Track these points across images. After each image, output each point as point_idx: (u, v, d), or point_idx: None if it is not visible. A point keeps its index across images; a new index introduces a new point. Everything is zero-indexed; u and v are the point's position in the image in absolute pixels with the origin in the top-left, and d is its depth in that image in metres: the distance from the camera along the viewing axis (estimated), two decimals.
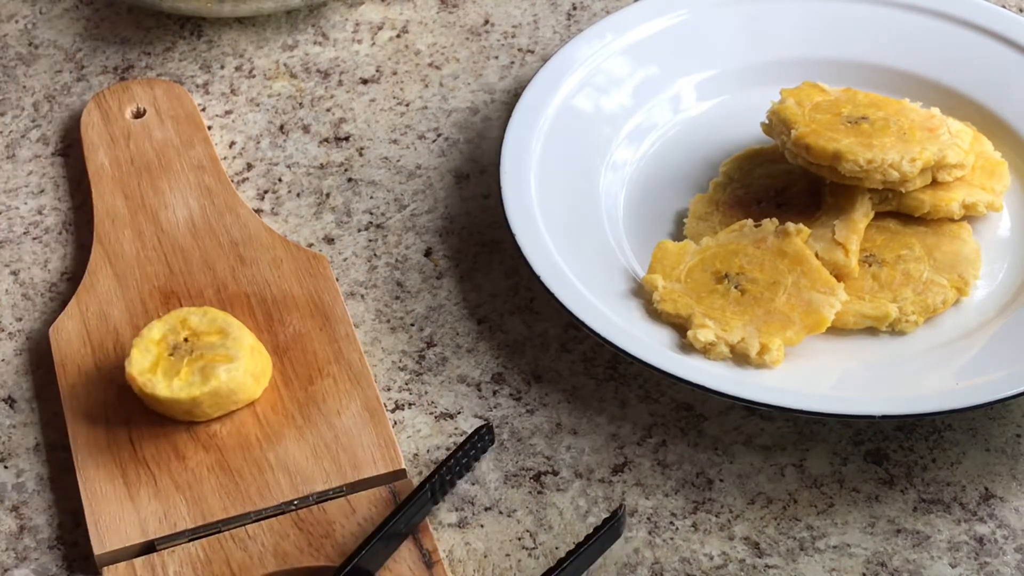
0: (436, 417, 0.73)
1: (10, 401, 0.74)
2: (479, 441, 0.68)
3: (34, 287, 0.79)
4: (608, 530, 0.64)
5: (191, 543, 0.66)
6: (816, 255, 0.76)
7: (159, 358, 0.70)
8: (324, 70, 0.91)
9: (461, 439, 0.72)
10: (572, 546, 0.67)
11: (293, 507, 0.67)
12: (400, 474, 0.69)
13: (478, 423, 0.73)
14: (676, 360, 0.72)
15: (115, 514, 0.67)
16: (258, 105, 0.89)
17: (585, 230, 0.79)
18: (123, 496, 0.68)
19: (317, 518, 0.67)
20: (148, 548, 0.66)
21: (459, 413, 0.73)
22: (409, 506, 0.64)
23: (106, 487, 0.68)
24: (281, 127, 0.88)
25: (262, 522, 0.67)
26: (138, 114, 0.86)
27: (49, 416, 0.73)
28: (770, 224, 0.77)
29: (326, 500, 0.68)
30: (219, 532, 0.67)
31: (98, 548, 0.66)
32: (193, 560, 0.66)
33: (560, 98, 0.84)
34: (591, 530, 0.64)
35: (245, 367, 0.70)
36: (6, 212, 0.83)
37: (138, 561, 0.66)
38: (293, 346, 0.73)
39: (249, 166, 0.85)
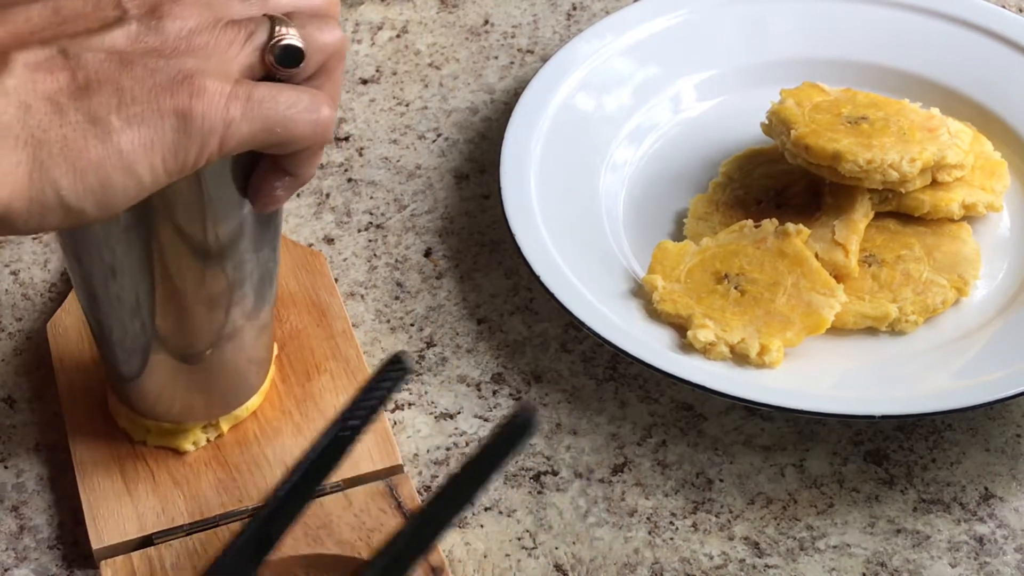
0: (436, 417, 0.73)
1: (10, 401, 0.74)
2: (388, 376, 0.63)
3: (34, 287, 0.79)
4: (511, 430, 0.59)
5: (188, 536, 0.66)
6: (816, 255, 0.76)
7: None
8: None
9: (461, 439, 0.72)
10: (571, 545, 0.67)
11: None
12: (396, 469, 0.69)
13: (478, 423, 0.73)
14: (676, 360, 0.71)
15: (113, 509, 0.67)
16: None
17: (585, 230, 0.79)
18: (121, 491, 0.67)
19: (314, 511, 0.67)
20: (146, 542, 0.66)
21: (459, 413, 0.73)
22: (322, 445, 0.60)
23: (104, 482, 0.68)
24: None
25: None
26: None
27: (49, 416, 0.73)
28: (770, 225, 0.77)
29: (323, 495, 0.68)
30: (216, 526, 0.67)
31: (96, 543, 0.66)
32: (190, 552, 0.66)
33: (560, 98, 0.84)
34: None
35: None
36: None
37: (136, 554, 0.66)
38: (290, 342, 0.73)
39: None
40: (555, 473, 0.70)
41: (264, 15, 0.53)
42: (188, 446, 0.69)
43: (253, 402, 0.70)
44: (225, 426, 0.69)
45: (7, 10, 0.51)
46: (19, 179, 0.49)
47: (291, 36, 0.53)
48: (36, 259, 0.81)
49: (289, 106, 0.53)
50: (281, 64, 0.53)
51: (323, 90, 0.55)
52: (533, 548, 0.68)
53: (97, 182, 0.50)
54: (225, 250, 0.60)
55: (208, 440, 0.69)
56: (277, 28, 0.53)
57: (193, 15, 0.52)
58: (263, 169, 0.57)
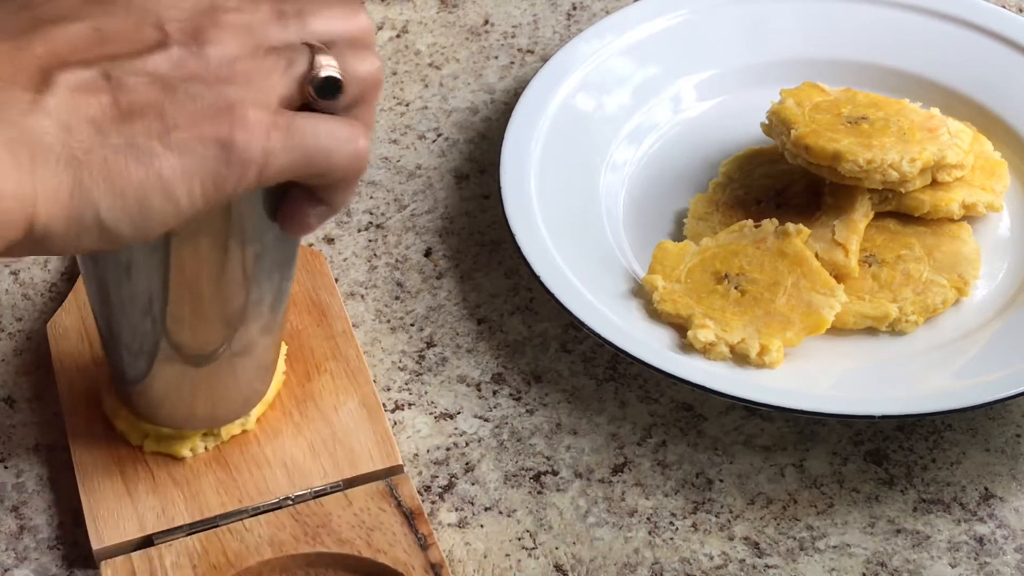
0: (436, 417, 0.73)
1: (10, 401, 0.74)
2: None
3: (34, 287, 0.79)
4: None
5: (188, 537, 0.66)
6: (816, 255, 0.76)
7: None
8: None
9: (461, 439, 0.72)
10: (571, 545, 0.67)
11: (290, 502, 0.67)
12: (397, 470, 0.69)
13: (478, 423, 0.73)
14: (676, 360, 0.71)
15: (113, 509, 0.67)
16: None
17: (585, 230, 0.79)
18: (121, 491, 0.68)
19: (314, 511, 0.67)
20: (146, 542, 0.66)
21: (459, 413, 0.73)
22: None
23: (104, 482, 0.68)
24: None
25: (259, 516, 0.67)
26: None
27: (49, 416, 0.73)
28: (770, 225, 0.77)
29: (323, 495, 0.68)
30: (216, 526, 0.67)
31: (96, 543, 0.66)
32: (190, 552, 0.66)
33: (560, 98, 0.84)
34: None
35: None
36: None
37: (136, 555, 0.66)
38: (290, 342, 0.73)
39: None
40: (555, 473, 0.70)
41: (303, 43, 0.54)
42: (186, 452, 0.69)
43: (256, 411, 0.70)
44: (225, 435, 0.69)
45: (49, 28, 0.51)
46: (60, 199, 0.49)
47: (330, 68, 0.53)
48: (36, 259, 0.81)
49: (327, 136, 0.53)
50: (320, 96, 0.53)
51: (359, 118, 0.55)
52: (533, 548, 0.68)
53: (136, 205, 0.50)
54: (245, 270, 0.60)
55: (206, 449, 0.69)
56: (316, 58, 0.53)
57: (234, 41, 0.52)
58: (296, 197, 0.57)
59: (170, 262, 0.58)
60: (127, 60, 0.51)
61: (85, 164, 0.49)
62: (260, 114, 0.51)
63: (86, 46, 0.51)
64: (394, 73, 0.91)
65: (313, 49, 0.53)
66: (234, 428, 0.69)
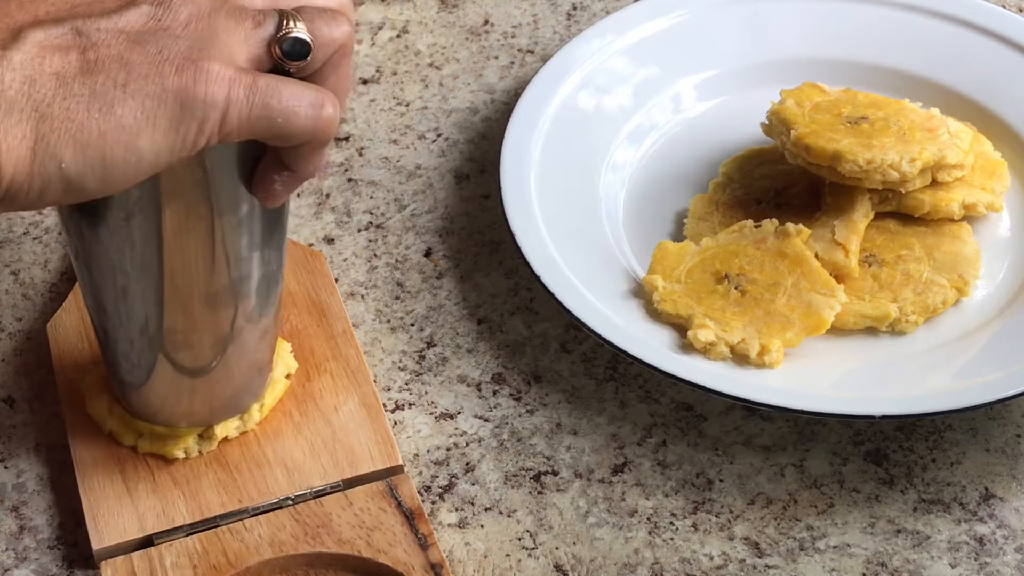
0: (436, 417, 0.73)
1: (10, 401, 0.74)
2: None
3: (34, 287, 0.79)
4: None
5: (188, 537, 0.66)
6: (816, 255, 0.76)
7: None
8: None
9: (461, 439, 0.72)
10: (571, 545, 0.68)
11: (290, 502, 0.67)
12: (397, 470, 0.69)
13: (478, 423, 0.73)
14: (676, 360, 0.71)
15: (113, 509, 0.67)
16: None
17: (585, 230, 0.79)
18: (121, 491, 0.68)
19: (314, 511, 0.67)
20: (146, 542, 0.66)
21: (459, 413, 0.73)
22: None
23: (104, 482, 0.68)
24: None
25: (259, 516, 0.67)
26: None
27: (49, 416, 0.73)
28: (770, 225, 0.77)
29: (323, 495, 0.68)
30: (217, 527, 0.67)
31: (96, 543, 0.66)
32: (190, 552, 0.66)
33: (560, 98, 0.84)
34: None
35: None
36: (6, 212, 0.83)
37: (136, 555, 0.66)
38: (290, 342, 0.73)
39: None
40: (555, 473, 0.70)
41: (275, 8, 0.54)
42: (178, 453, 0.69)
43: (256, 416, 0.70)
44: (220, 435, 0.69)
45: None
46: (22, 154, 0.50)
47: (299, 30, 0.54)
48: (36, 259, 0.81)
49: (291, 98, 0.54)
50: (288, 57, 0.54)
51: (328, 84, 0.56)
52: (533, 548, 0.68)
53: (98, 156, 0.51)
54: (229, 244, 0.60)
55: (200, 452, 0.69)
56: (285, 22, 0.54)
57: (205, 1, 0.53)
58: (265, 162, 0.58)
59: (156, 235, 0.58)
60: (99, 17, 0.52)
61: (47, 116, 0.50)
62: (223, 68, 0.52)
63: (61, 7, 0.52)
64: (394, 73, 0.91)
65: (282, 14, 0.54)
66: (229, 430, 0.69)
